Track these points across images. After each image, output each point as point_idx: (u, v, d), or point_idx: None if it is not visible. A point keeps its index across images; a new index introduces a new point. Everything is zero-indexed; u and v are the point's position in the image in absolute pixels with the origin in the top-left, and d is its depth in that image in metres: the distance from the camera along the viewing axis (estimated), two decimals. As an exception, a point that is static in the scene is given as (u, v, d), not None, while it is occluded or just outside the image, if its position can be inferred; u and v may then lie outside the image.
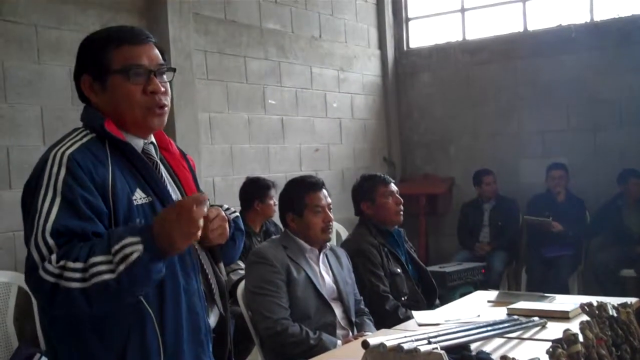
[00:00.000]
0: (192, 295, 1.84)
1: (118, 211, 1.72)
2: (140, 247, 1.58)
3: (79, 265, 1.57)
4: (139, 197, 1.78)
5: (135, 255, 1.57)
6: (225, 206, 2.01)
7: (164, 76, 1.87)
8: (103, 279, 1.56)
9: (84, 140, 1.76)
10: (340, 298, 3.22)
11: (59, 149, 1.72)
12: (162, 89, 1.83)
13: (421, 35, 7.76)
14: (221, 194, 5.42)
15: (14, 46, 4.20)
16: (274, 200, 4.71)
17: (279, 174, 5.78)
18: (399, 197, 3.84)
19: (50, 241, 1.61)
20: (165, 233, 1.60)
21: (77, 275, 1.56)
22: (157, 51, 1.87)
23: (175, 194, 1.92)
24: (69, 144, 1.75)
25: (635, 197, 5.98)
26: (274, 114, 6.06)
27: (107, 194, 1.71)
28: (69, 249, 1.60)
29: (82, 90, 1.85)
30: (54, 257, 1.59)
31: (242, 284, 3.33)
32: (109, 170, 1.74)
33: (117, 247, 1.58)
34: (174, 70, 1.92)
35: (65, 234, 1.62)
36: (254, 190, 4.82)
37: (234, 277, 4.16)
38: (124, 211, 1.73)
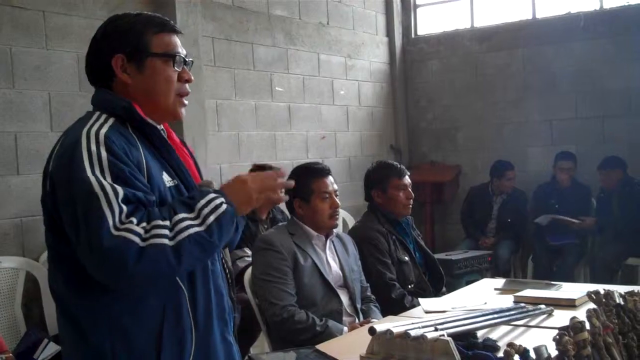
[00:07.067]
0: (217, 277, 1.90)
1: (154, 193, 1.74)
2: (223, 199, 1.73)
3: (166, 222, 1.64)
4: (166, 179, 1.81)
5: (224, 207, 1.71)
6: None
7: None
8: (196, 231, 1.65)
9: (109, 122, 1.76)
10: (346, 285, 3.23)
11: (90, 128, 1.71)
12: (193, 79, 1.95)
13: (429, 22, 7.73)
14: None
15: (22, 32, 4.19)
16: (280, 187, 4.70)
17: (286, 161, 5.78)
18: (410, 191, 3.82)
19: (124, 207, 1.61)
20: (241, 193, 1.79)
21: (167, 232, 1.62)
22: None
23: None
24: (97, 125, 1.73)
25: (609, 187, 5.97)
26: (281, 101, 6.05)
27: (144, 175, 1.73)
28: (147, 213, 1.65)
29: (114, 68, 1.83)
30: (134, 219, 1.61)
31: (249, 270, 3.34)
32: (141, 152, 1.76)
33: (203, 202, 1.70)
34: (192, 62, 1.99)
35: (133, 201, 1.64)
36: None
37: (241, 264, 4.16)
38: (158, 192, 1.75)
